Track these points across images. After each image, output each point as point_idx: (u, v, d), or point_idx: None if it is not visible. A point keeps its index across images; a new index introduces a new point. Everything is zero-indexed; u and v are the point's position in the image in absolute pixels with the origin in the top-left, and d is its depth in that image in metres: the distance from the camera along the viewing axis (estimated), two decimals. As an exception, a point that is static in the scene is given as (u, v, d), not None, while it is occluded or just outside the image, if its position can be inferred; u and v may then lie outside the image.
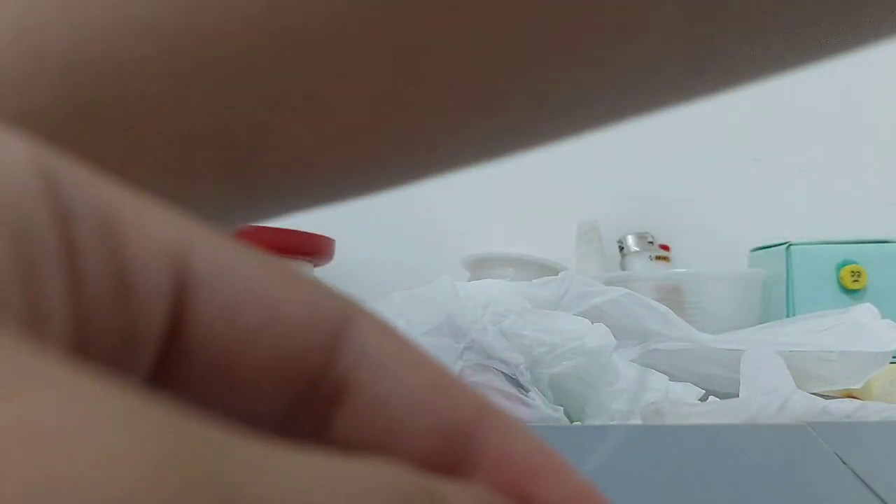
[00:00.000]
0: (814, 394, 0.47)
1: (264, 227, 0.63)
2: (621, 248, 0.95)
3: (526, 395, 0.49)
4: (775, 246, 0.82)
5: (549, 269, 0.83)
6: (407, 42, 0.14)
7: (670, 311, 0.59)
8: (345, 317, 0.13)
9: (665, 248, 0.95)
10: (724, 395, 0.52)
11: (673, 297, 0.76)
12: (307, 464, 0.08)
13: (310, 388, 0.12)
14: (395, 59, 0.14)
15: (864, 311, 0.58)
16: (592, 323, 0.53)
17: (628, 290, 0.59)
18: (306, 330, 0.12)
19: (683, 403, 0.49)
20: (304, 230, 0.75)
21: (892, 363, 0.54)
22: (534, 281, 0.61)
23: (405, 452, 0.12)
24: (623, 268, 0.94)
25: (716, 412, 0.45)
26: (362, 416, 0.13)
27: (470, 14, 0.14)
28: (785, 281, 0.79)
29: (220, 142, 0.17)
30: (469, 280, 0.74)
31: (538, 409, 0.48)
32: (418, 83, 0.15)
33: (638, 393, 0.51)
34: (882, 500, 0.27)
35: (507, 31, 0.14)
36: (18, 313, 0.08)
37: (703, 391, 0.54)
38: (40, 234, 0.09)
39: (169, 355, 0.11)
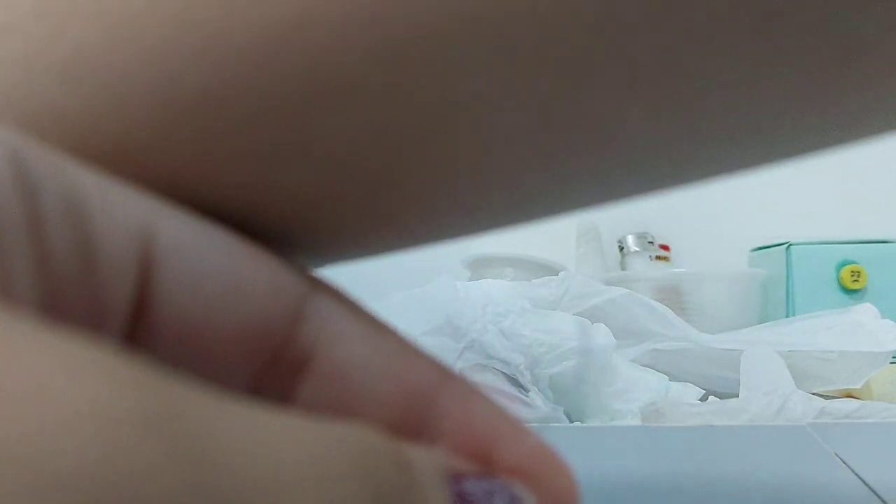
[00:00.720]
0: (814, 394, 0.47)
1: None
2: (621, 248, 0.95)
3: (526, 395, 0.49)
4: (775, 246, 0.82)
5: (548, 269, 0.83)
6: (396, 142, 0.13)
7: (670, 310, 0.59)
8: (306, 290, 0.13)
9: (665, 248, 0.95)
10: (724, 395, 0.52)
11: (673, 297, 0.76)
12: (274, 420, 0.08)
13: (274, 360, 0.13)
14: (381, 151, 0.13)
15: (864, 311, 0.58)
16: (592, 323, 0.53)
17: (628, 290, 0.59)
18: (269, 301, 0.12)
19: (683, 403, 0.49)
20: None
21: (892, 363, 0.54)
22: (533, 281, 0.60)
23: (369, 419, 0.12)
24: (623, 268, 0.94)
25: (716, 412, 0.45)
26: (326, 385, 0.13)
27: (451, 127, 0.13)
28: (785, 281, 0.78)
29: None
30: (469, 280, 0.74)
31: (538, 409, 0.48)
32: (400, 183, 0.14)
33: (637, 393, 0.51)
34: (882, 500, 0.27)
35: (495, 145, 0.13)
36: None
37: (703, 391, 0.54)
38: (4, 204, 0.09)
39: (137, 328, 0.11)
